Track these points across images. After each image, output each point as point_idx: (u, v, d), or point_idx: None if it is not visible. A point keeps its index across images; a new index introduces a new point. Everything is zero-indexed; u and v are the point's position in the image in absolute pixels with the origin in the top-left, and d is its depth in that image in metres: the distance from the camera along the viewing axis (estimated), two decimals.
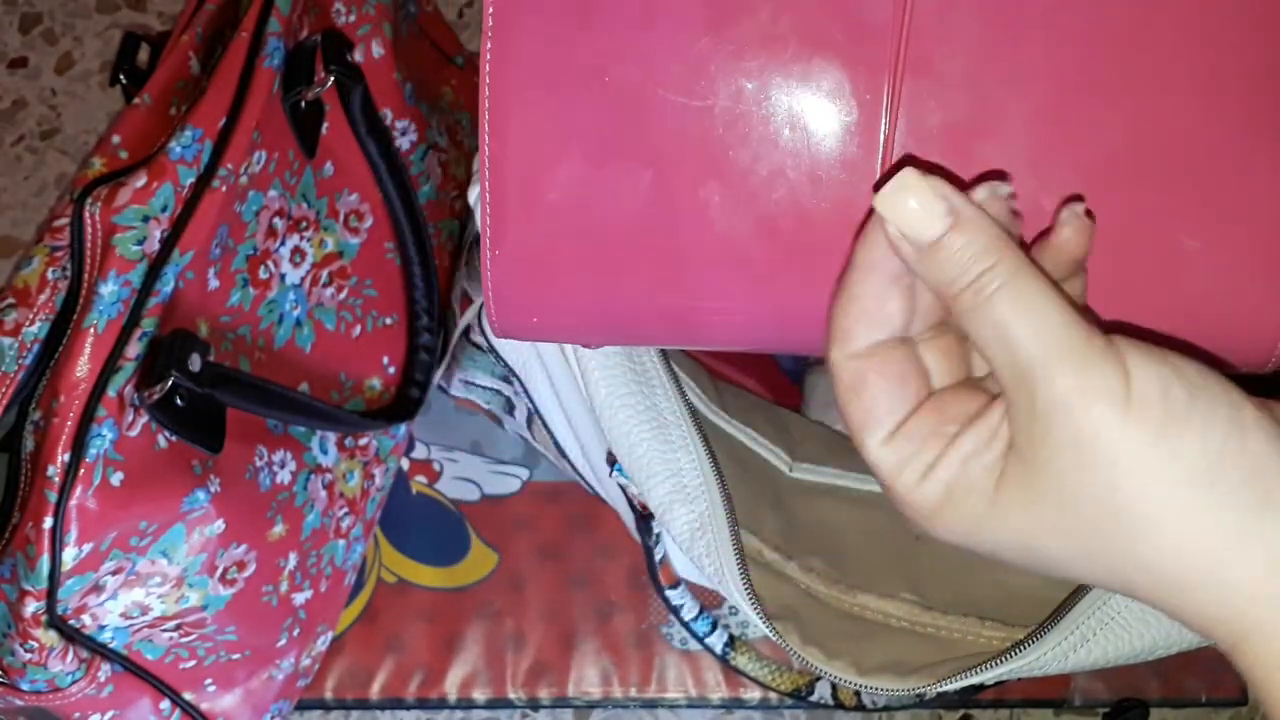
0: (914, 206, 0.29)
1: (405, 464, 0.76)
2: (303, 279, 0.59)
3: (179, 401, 0.49)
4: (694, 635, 0.63)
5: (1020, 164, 0.37)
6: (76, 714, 0.53)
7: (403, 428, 0.70)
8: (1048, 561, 0.30)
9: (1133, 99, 0.36)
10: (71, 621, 0.49)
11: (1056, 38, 0.36)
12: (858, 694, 0.63)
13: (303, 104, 0.56)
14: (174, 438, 0.50)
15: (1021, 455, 0.29)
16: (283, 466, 0.57)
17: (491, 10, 0.39)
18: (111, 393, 0.47)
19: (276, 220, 0.56)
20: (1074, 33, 0.36)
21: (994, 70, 0.36)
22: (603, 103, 0.38)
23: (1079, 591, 0.51)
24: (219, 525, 0.52)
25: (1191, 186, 0.37)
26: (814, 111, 0.37)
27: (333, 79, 0.56)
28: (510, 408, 0.65)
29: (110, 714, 0.54)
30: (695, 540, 0.54)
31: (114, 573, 0.49)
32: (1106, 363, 0.28)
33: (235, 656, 0.59)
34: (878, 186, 0.31)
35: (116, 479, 0.47)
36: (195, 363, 0.48)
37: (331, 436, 0.62)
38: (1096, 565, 0.29)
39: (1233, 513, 0.27)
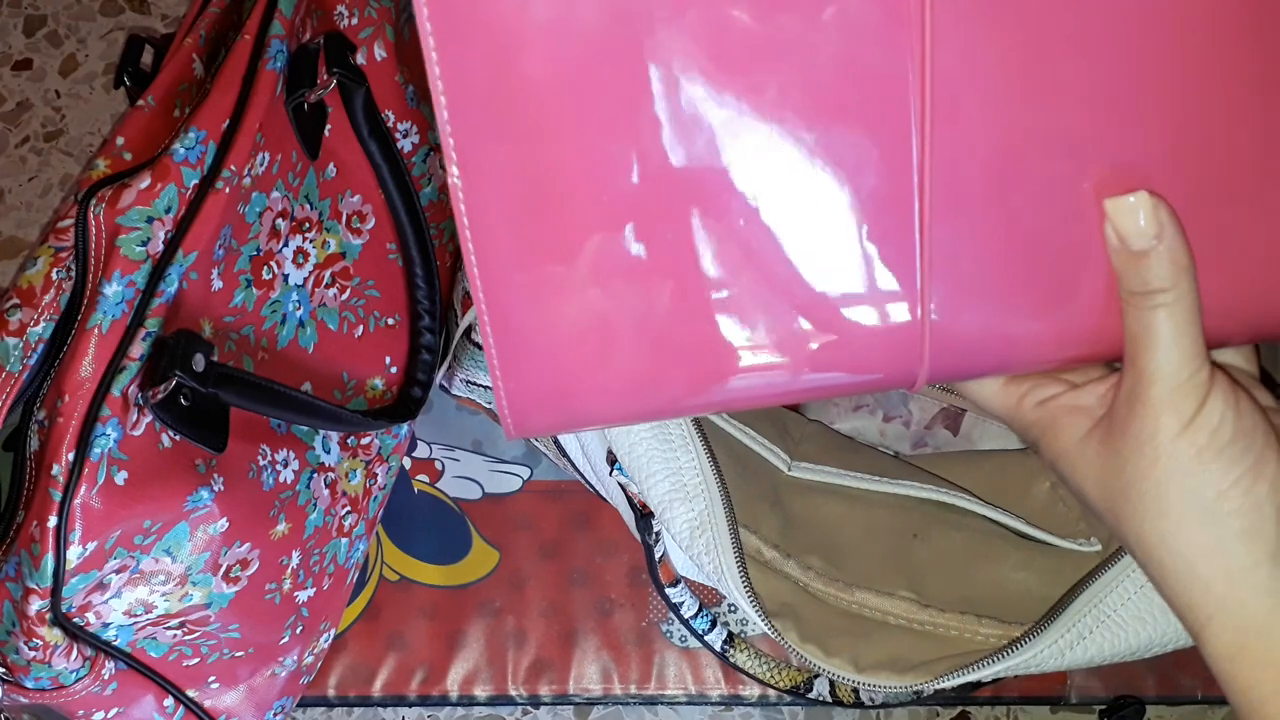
0: (1140, 222, 0.35)
1: (407, 463, 0.76)
2: (306, 280, 0.59)
3: (183, 401, 0.49)
4: (693, 633, 0.63)
5: (1063, 184, 0.36)
6: (80, 711, 0.53)
7: (405, 427, 0.70)
8: (1084, 497, 0.40)
9: (1168, 106, 0.36)
10: (76, 619, 0.49)
11: (1085, 55, 0.35)
12: (856, 691, 0.64)
13: (305, 106, 0.57)
14: (178, 437, 0.50)
15: (1111, 422, 0.38)
16: (286, 465, 0.58)
17: (452, 142, 0.35)
18: (116, 392, 0.47)
19: (279, 221, 0.57)
20: (1100, 51, 0.35)
21: (1023, 104, 0.36)
22: (606, 219, 0.36)
23: (1075, 589, 0.51)
24: (222, 524, 0.52)
25: (1230, 189, 0.37)
26: (841, 190, 0.36)
27: (335, 81, 0.56)
28: None
29: (114, 711, 0.54)
30: (695, 538, 0.54)
31: (118, 571, 0.49)
32: (1194, 391, 0.36)
33: (238, 654, 0.59)
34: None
35: (120, 478, 0.47)
36: (199, 362, 0.49)
37: (334, 436, 0.62)
38: (1117, 521, 0.38)
39: (1221, 528, 0.36)
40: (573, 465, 0.63)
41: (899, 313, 0.37)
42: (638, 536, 0.60)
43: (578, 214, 0.36)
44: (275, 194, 0.56)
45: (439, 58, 0.35)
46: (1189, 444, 0.36)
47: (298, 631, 0.63)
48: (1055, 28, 0.35)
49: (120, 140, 0.51)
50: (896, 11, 0.34)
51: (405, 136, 0.64)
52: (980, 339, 0.38)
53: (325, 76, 0.56)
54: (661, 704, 0.73)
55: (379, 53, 0.61)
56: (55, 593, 0.47)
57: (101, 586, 0.49)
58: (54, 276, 0.49)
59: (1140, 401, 0.36)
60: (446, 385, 0.69)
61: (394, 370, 0.66)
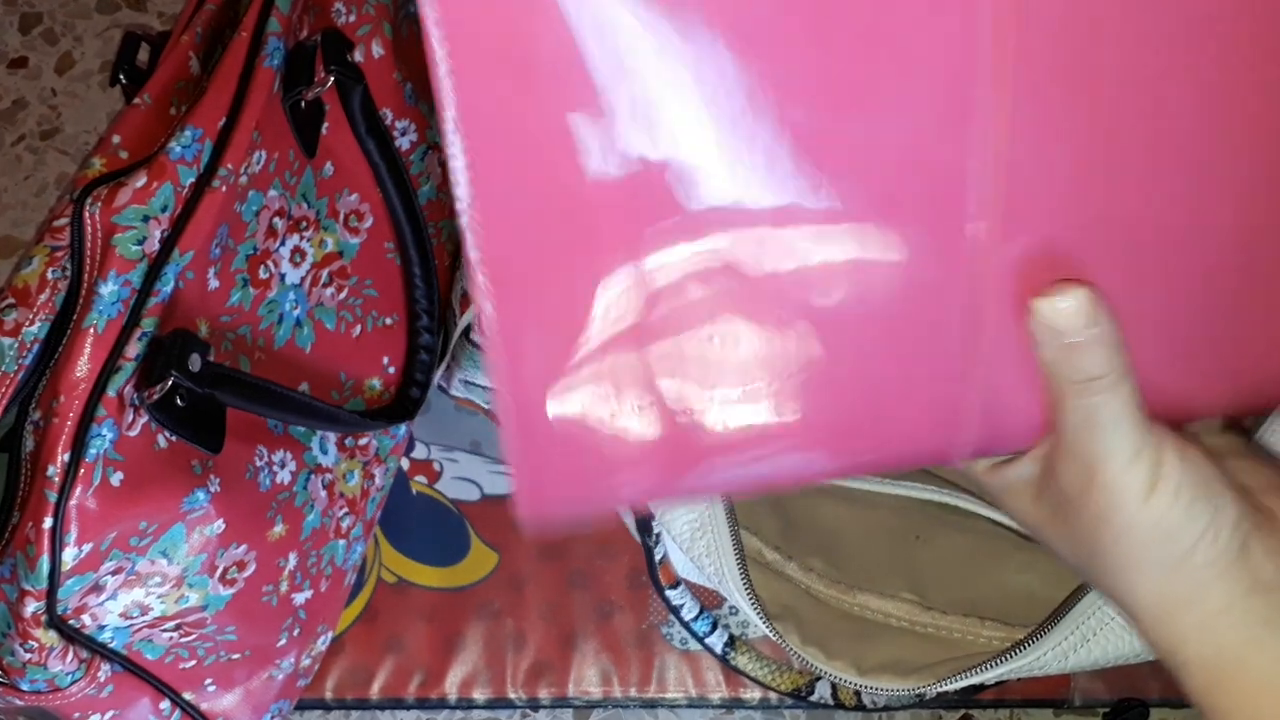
0: (1067, 310, 0.34)
1: (405, 464, 0.76)
2: (303, 279, 0.59)
3: (179, 401, 0.49)
4: (694, 635, 0.63)
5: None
6: (76, 714, 0.53)
7: (403, 428, 0.70)
8: (1056, 553, 0.40)
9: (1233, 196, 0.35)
10: (71, 621, 0.49)
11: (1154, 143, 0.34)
12: (858, 694, 0.63)
13: (303, 104, 0.57)
14: (174, 438, 0.50)
15: (1064, 499, 0.38)
16: (283, 466, 0.57)
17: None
18: (111, 392, 0.47)
19: (276, 220, 0.56)
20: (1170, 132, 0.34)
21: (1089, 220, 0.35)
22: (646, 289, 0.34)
23: (1079, 592, 0.51)
24: (219, 525, 0.52)
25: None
26: (898, 285, 0.34)
27: (333, 79, 0.56)
28: None
29: (110, 714, 0.54)
30: (695, 540, 0.54)
31: (114, 573, 0.49)
32: (1147, 463, 0.35)
33: (235, 656, 0.59)
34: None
35: (116, 479, 0.47)
36: (195, 363, 0.49)
37: (331, 436, 0.62)
38: (1089, 576, 0.40)
39: (1195, 579, 0.37)
40: None
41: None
42: (638, 538, 0.59)
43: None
44: (272, 193, 0.56)
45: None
46: (1151, 514, 0.36)
47: (295, 634, 0.63)
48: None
49: (116, 138, 0.51)
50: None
51: (403, 134, 0.64)
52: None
53: (322, 74, 0.56)
54: (662, 707, 0.73)
55: (376, 50, 0.61)
56: (51, 595, 0.47)
57: (97, 588, 0.49)
58: (49, 276, 0.49)
59: (1094, 485, 0.36)
60: (445, 385, 0.68)
61: (392, 370, 0.66)
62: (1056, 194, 0.34)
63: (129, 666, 0.54)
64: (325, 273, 0.60)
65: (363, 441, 0.65)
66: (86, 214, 0.48)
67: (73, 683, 0.51)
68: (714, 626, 0.63)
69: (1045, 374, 0.36)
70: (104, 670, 0.52)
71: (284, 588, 0.59)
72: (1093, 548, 0.38)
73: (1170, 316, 0.37)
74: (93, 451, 0.46)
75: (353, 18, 0.61)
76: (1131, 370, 0.35)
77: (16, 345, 0.48)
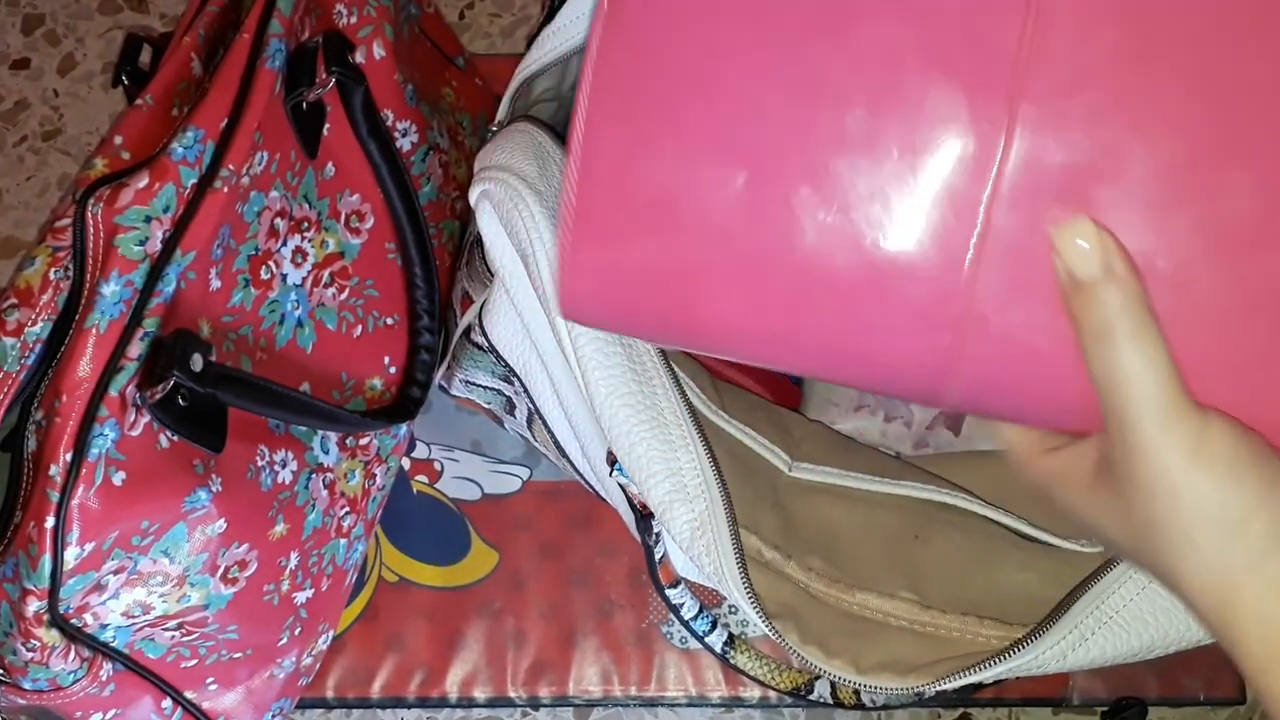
0: (1083, 246, 0.35)
1: (406, 463, 0.76)
2: (304, 279, 0.59)
3: (181, 401, 0.49)
4: (694, 634, 0.63)
5: (1137, 219, 0.35)
6: (78, 713, 0.53)
7: (404, 427, 0.70)
8: (1109, 542, 0.40)
9: (1269, 163, 0.34)
10: (73, 620, 0.49)
11: (1197, 90, 0.34)
12: (857, 692, 0.63)
13: (304, 105, 0.57)
14: (176, 437, 0.50)
15: (1112, 471, 0.37)
16: (284, 466, 0.58)
17: None
18: (113, 392, 0.47)
19: (278, 221, 0.56)
20: (1216, 89, 0.34)
21: (1125, 115, 0.35)
22: (703, 97, 0.37)
23: (1077, 591, 0.51)
24: (220, 524, 0.52)
25: None
26: (925, 134, 0.35)
27: (334, 80, 0.56)
28: (511, 407, 0.65)
29: (112, 713, 0.54)
30: (695, 539, 0.54)
31: (116, 572, 0.49)
32: (1189, 419, 0.34)
33: (237, 655, 0.59)
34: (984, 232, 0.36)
35: (118, 478, 0.47)
36: (197, 363, 0.49)
37: (333, 436, 0.62)
38: (1145, 558, 0.38)
39: (1253, 547, 0.35)
40: (572, 466, 0.63)
41: (943, 290, 0.37)
42: (638, 537, 0.60)
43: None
44: (274, 193, 0.56)
45: None
46: (1198, 480, 0.35)
47: (296, 633, 0.63)
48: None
49: (118, 139, 0.51)
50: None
51: (404, 136, 0.64)
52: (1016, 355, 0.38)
53: (324, 75, 0.56)
54: (662, 705, 0.73)
55: (378, 51, 0.61)
56: (53, 594, 0.47)
57: (99, 587, 0.49)
58: (52, 276, 0.49)
59: (1135, 447, 0.35)
60: (445, 385, 0.68)
61: (393, 370, 0.66)
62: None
63: (131, 665, 0.54)
64: (326, 273, 0.61)
65: (364, 441, 0.65)
66: (89, 214, 0.48)
67: (74, 681, 0.51)
68: (714, 625, 0.63)
69: (1073, 325, 0.36)
70: (106, 669, 0.52)
71: (285, 587, 0.59)
72: (1147, 523, 0.36)
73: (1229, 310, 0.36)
74: (95, 451, 0.46)
75: (354, 19, 0.61)
76: (1154, 324, 0.35)
77: (19, 345, 0.48)
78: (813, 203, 0.37)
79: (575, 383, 0.53)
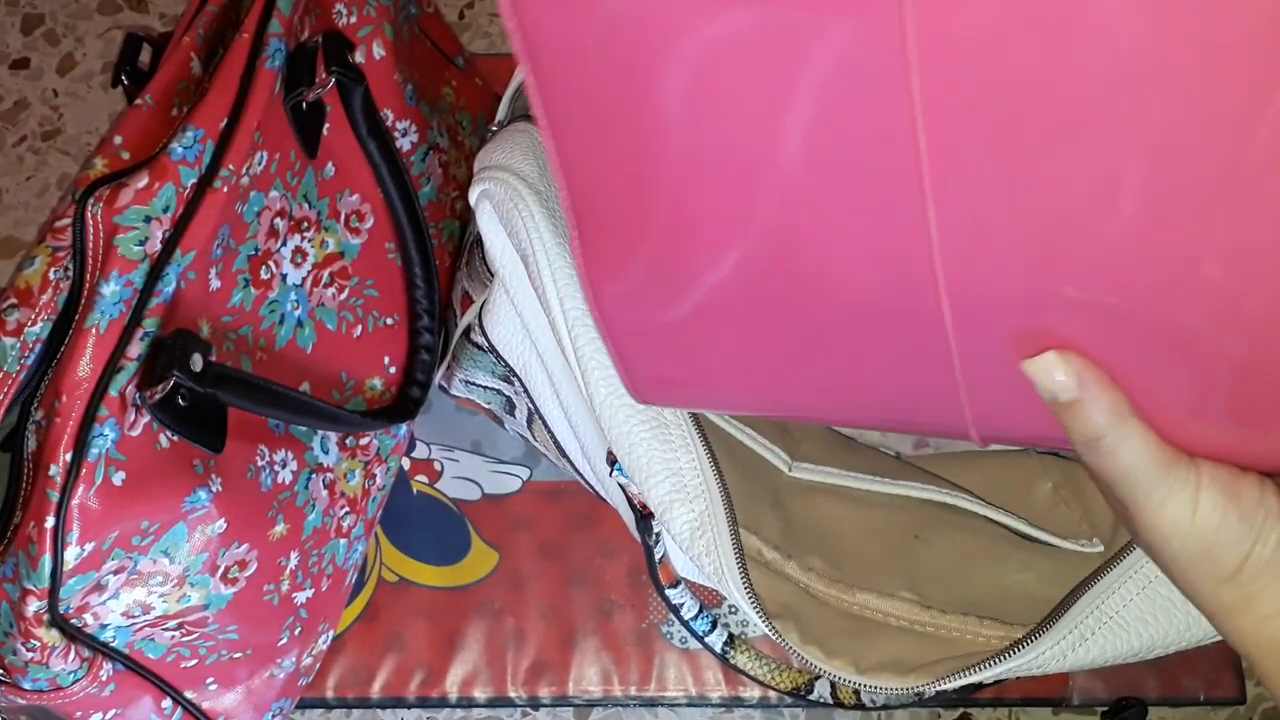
0: (1059, 378, 0.37)
1: (406, 463, 0.76)
2: (304, 279, 0.59)
3: (181, 401, 0.49)
4: (694, 634, 0.63)
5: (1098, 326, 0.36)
6: (78, 713, 0.53)
7: (403, 427, 0.70)
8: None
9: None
10: (73, 620, 0.49)
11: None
12: (857, 692, 0.63)
13: (304, 105, 0.57)
14: (176, 437, 0.50)
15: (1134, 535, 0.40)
16: (284, 466, 0.58)
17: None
18: (113, 392, 0.47)
19: (278, 221, 0.56)
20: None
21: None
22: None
23: (1077, 591, 0.51)
24: (220, 524, 0.52)
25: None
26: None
27: (334, 80, 0.56)
28: (511, 407, 0.65)
29: (112, 713, 0.54)
30: (695, 539, 0.54)
31: (116, 572, 0.49)
32: (1179, 499, 0.37)
33: (237, 655, 0.59)
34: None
35: (118, 478, 0.47)
36: (197, 362, 0.49)
37: (333, 436, 0.62)
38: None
39: (1236, 595, 0.38)
40: (572, 466, 0.63)
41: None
42: (638, 537, 0.60)
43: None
44: (273, 193, 0.56)
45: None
46: (1195, 542, 0.37)
47: (296, 633, 0.63)
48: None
49: (118, 139, 0.51)
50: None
51: (404, 135, 0.64)
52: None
53: (323, 75, 0.56)
54: (662, 705, 0.73)
55: (378, 51, 0.61)
56: (53, 594, 0.47)
57: (99, 587, 0.49)
58: (51, 276, 0.49)
59: (1139, 525, 0.38)
60: (445, 385, 0.69)
61: (393, 370, 0.66)
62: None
63: (131, 665, 0.54)
64: (326, 273, 0.61)
65: (364, 441, 0.65)
66: (88, 214, 0.48)
67: (74, 681, 0.51)
68: (713, 625, 0.63)
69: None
70: (106, 669, 0.52)
71: (285, 587, 0.59)
72: (1157, 561, 0.40)
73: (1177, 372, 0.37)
74: (95, 451, 0.46)
75: (354, 19, 0.61)
76: (1135, 420, 0.37)
77: (19, 345, 0.48)
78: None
79: (575, 383, 0.53)
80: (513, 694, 0.73)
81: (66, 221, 0.49)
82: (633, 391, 0.47)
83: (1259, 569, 0.37)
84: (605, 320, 0.43)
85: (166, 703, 0.57)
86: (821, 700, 0.64)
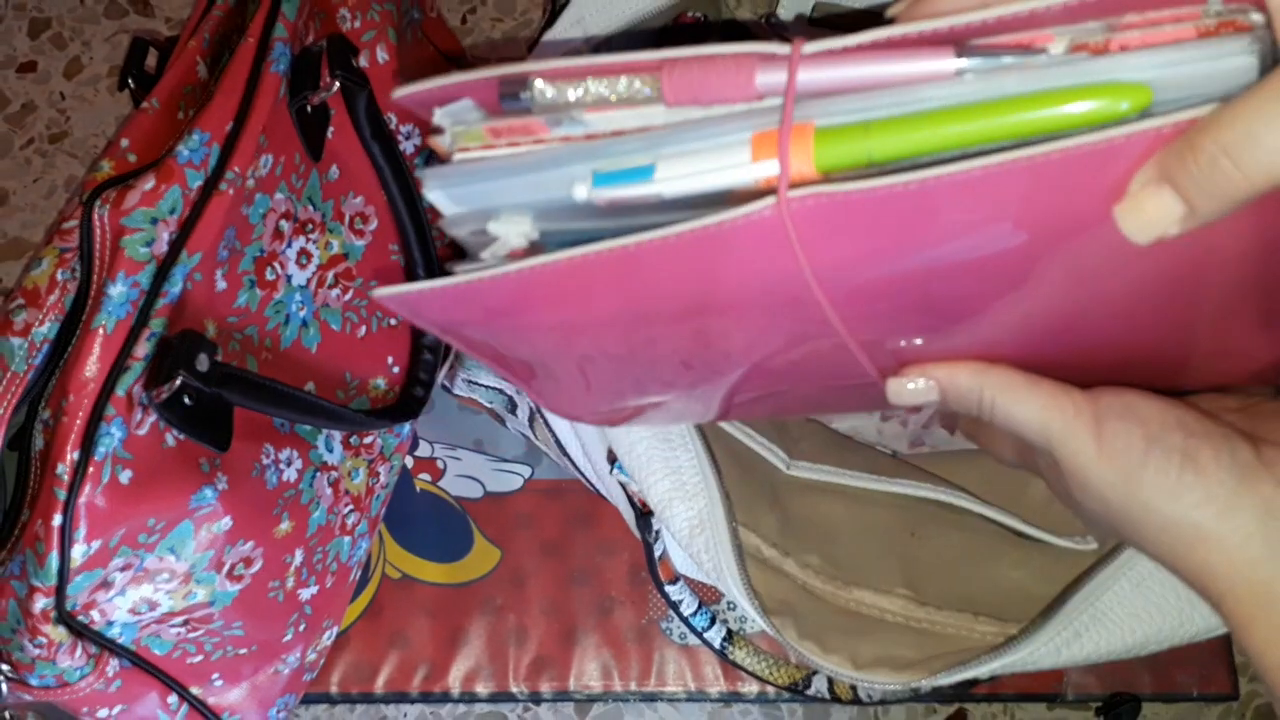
0: (912, 389, 0.41)
1: (409, 462, 0.76)
2: (309, 280, 0.59)
3: (187, 401, 0.49)
4: (693, 630, 0.63)
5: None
6: (85, 709, 0.53)
7: (407, 426, 0.70)
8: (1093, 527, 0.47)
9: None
10: (80, 617, 0.50)
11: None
12: (854, 688, 0.64)
13: (309, 108, 0.57)
14: (182, 436, 0.50)
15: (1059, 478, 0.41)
16: (289, 464, 0.58)
17: None
18: (120, 392, 0.47)
19: (283, 223, 0.57)
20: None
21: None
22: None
23: (1071, 587, 0.52)
24: (226, 522, 0.52)
25: None
26: None
27: (338, 84, 0.56)
28: (513, 406, 0.65)
29: (118, 709, 0.54)
30: (694, 537, 0.54)
31: (122, 569, 0.49)
32: (1083, 430, 0.38)
33: (242, 651, 0.59)
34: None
35: (125, 477, 0.47)
36: (203, 362, 0.49)
37: (337, 435, 0.63)
38: (1120, 536, 0.40)
39: (1187, 518, 0.37)
40: (573, 464, 0.64)
41: None
42: (638, 535, 0.60)
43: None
44: (278, 195, 0.56)
45: None
46: (1110, 473, 0.37)
47: (301, 629, 0.63)
48: None
49: (125, 142, 0.51)
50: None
51: (408, 139, 0.65)
52: None
53: (328, 79, 0.56)
54: (661, 701, 0.74)
55: (381, 55, 0.61)
56: (60, 591, 0.47)
57: (106, 585, 0.49)
58: (59, 277, 0.49)
59: (1055, 470, 0.39)
60: (448, 385, 0.69)
61: (396, 370, 0.66)
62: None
63: (137, 662, 0.54)
64: (331, 274, 0.61)
65: (368, 440, 0.65)
66: (95, 216, 0.48)
67: (81, 678, 0.51)
68: (712, 621, 0.64)
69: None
70: (112, 665, 0.53)
71: (290, 584, 0.60)
72: (1100, 518, 0.39)
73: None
74: (102, 450, 0.47)
75: (358, 24, 0.61)
76: (1000, 367, 0.39)
77: (26, 345, 0.48)
78: None
79: None
80: (514, 689, 0.73)
81: (74, 223, 0.49)
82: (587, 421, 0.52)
83: (1202, 496, 0.36)
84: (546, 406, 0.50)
85: (173, 698, 0.57)
86: (819, 695, 0.64)
